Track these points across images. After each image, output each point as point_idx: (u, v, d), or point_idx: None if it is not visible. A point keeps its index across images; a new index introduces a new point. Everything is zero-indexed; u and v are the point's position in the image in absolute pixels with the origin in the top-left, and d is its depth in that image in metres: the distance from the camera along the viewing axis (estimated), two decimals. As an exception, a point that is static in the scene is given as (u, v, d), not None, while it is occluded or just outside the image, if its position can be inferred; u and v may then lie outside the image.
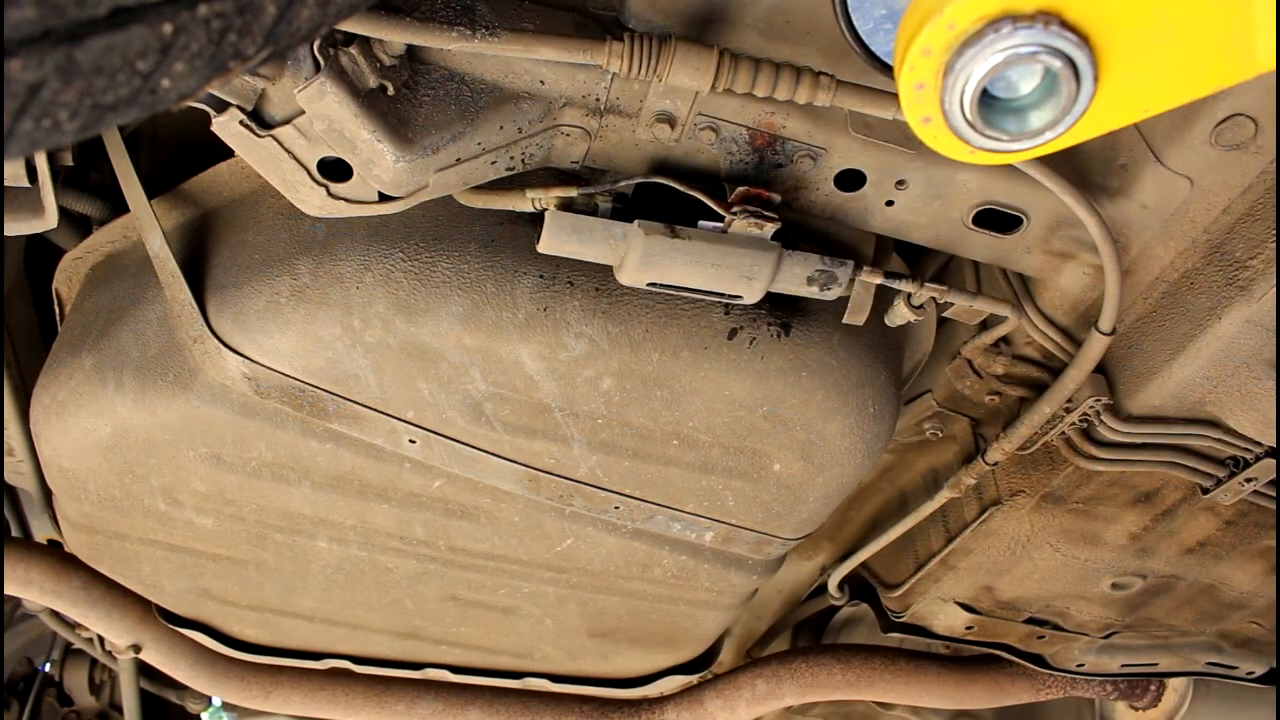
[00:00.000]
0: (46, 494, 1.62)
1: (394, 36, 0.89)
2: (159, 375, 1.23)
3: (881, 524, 1.85)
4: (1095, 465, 1.42)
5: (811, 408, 1.26)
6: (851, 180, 1.11)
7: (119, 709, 2.37)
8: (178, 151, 1.36)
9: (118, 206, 1.32)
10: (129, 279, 1.30)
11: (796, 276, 1.11)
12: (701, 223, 1.06)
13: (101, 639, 2.06)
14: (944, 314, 1.30)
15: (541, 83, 0.99)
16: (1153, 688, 2.30)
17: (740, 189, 1.07)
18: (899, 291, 1.20)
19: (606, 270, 1.17)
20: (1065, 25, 0.61)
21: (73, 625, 2.06)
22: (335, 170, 1.00)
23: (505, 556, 1.51)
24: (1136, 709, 2.36)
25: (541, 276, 1.16)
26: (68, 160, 1.14)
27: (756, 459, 1.33)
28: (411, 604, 1.64)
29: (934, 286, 1.18)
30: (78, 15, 0.43)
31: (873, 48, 0.85)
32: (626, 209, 1.08)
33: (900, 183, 1.10)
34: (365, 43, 0.90)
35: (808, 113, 1.05)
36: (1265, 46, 0.62)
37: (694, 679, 1.94)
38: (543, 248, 1.07)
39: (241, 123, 0.94)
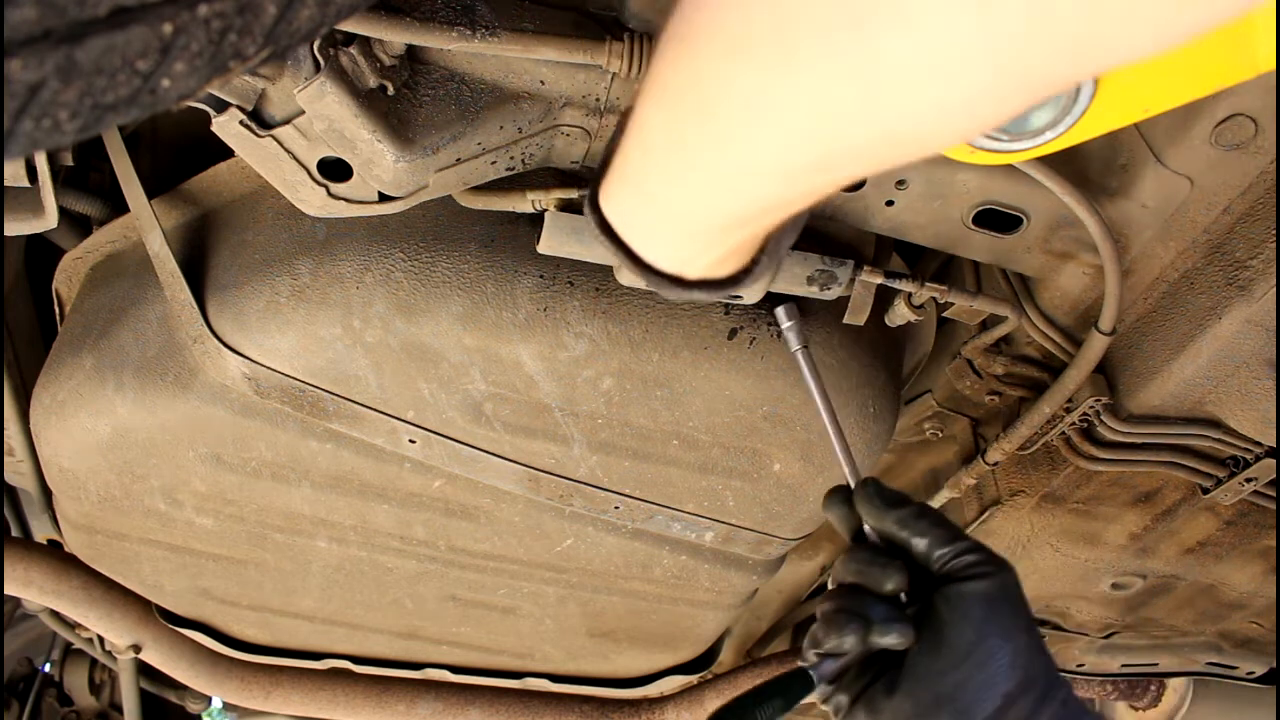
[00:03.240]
0: (46, 494, 1.62)
1: (394, 36, 0.89)
2: (159, 375, 1.23)
3: (881, 524, 1.85)
4: (1095, 465, 1.42)
5: (811, 407, 1.26)
6: (851, 180, 1.11)
7: (119, 709, 2.37)
8: (178, 151, 1.36)
9: (118, 206, 1.32)
10: (129, 279, 1.30)
11: (796, 276, 1.11)
12: (701, 223, 1.07)
13: (101, 639, 2.06)
14: (944, 314, 1.30)
15: (541, 83, 0.99)
16: (1153, 688, 2.30)
17: (740, 189, 1.07)
18: (899, 291, 1.20)
19: (606, 270, 1.17)
20: (1065, 25, 0.61)
21: (73, 625, 2.06)
22: (335, 170, 1.00)
23: (505, 556, 1.51)
24: (1136, 709, 2.36)
25: (541, 277, 1.16)
26: (68, 160, 1.14)
27: (756, 459, 1.33)
28: (411, 604, 1.64)
29: (934, 286, 1.18)
30: (78, 15, 0.43)
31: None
32: (626, 209, 1.08)
33: (900, 183, 1.10)
34: (365, 43, 0.90)
35: (808, 113, 1.05)
36: (1265, 46, 0.62)
37: (694, 679, 1.94)
38: (542, 248, 1.07)
39: (241, 123, 0.94)
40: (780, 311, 1.06)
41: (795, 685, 0.83)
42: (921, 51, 0.45)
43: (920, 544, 0.86)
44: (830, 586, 0.90)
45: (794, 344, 1.05)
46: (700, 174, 0.61)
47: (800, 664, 0.85)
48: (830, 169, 0.58)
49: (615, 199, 0.74)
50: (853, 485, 0.92)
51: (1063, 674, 0.82)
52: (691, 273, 0.76)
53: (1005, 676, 0.79)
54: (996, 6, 0.43)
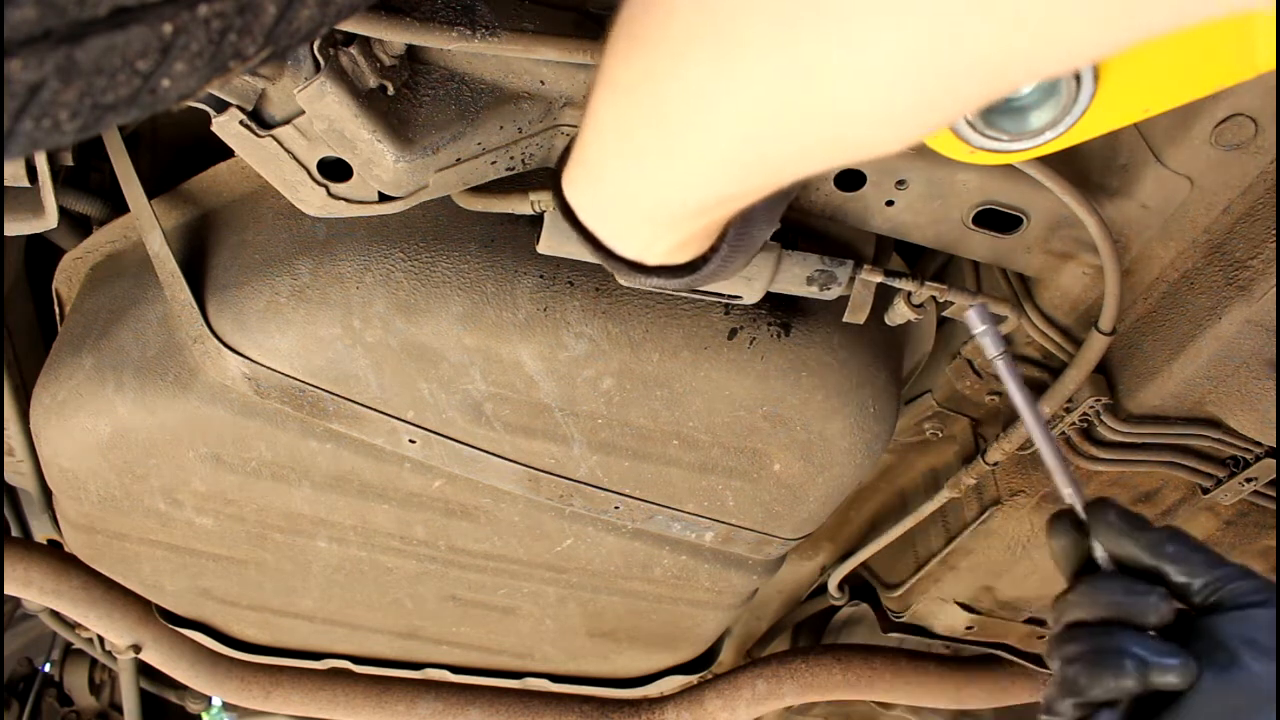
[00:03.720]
0: (46, 494, 1.62)
1: (394, 36, 0.89)
2: (159, 375, 1.23)
3: (881, 524, 1.85)
4: (1096, 465, 1.42)
5: (811, 408, 1.26)
6: (851, 180, 1.11)
7: (119, 709, 2.37)
8: (178, 151, 1.36)
9: (118, 206, 1.32)
10: (129, 279, 1.30)
11: (796, 276, 1.11)
12: (701, 223, 1.06)
13: (101, 639, 2.06)
14: (944, 314, 1.29)
15: (542, 82, 0.99)
16: (1153, 688, 2.30)
17: (740, 189, 1.06)
18: (899, 290, 1.20)
19: (606, 271, 1.17)
20: (1065, 25, 0.61)
21: (73, 625, 2.06)
22: (335, 170, 1.00)
23: (505, 556, 1.51)
24: (1136, 709, 2.36)
25: (542, 277, 1.16)
26: (68, 160, 1.14)
27: (756, 459, 1.33)
28: (411, 604, 1.64)
29: (934, 285, 1.18)
30: (78, 15, 0.43)
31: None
32: (626, 209, 1.08)
33: (900, 183, 1.10)
34: (365, 43, 0.90)
35: (808, 113, 1.05)
36: (1265, 46, 0.62)
37: (694, 679, 1.94)
38: (542, 249, 1.07)
39: (241, 123, 0.94)
40: (972, 315, 0.91)
41: None
42: (861, 58, 0.45)
43: (1176, 570, 0.76)
44: (1058, 626, 0.79)
45: (992, 350, 0.88)
46: (650, 166, 0.62)
47: None
48: (778, 167, 0.58)
49: (575, 186, 0.75)
50: (1080, 508, 0.82)
51: None
52: (651, 258, 0.77)
53: None
54: (931, 18, 0.43)
